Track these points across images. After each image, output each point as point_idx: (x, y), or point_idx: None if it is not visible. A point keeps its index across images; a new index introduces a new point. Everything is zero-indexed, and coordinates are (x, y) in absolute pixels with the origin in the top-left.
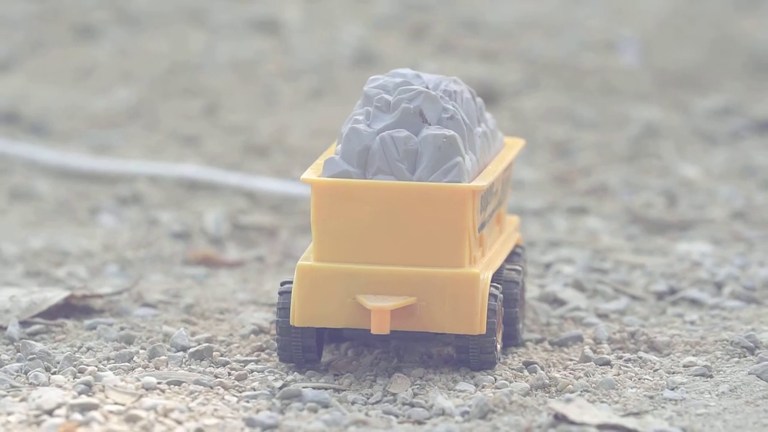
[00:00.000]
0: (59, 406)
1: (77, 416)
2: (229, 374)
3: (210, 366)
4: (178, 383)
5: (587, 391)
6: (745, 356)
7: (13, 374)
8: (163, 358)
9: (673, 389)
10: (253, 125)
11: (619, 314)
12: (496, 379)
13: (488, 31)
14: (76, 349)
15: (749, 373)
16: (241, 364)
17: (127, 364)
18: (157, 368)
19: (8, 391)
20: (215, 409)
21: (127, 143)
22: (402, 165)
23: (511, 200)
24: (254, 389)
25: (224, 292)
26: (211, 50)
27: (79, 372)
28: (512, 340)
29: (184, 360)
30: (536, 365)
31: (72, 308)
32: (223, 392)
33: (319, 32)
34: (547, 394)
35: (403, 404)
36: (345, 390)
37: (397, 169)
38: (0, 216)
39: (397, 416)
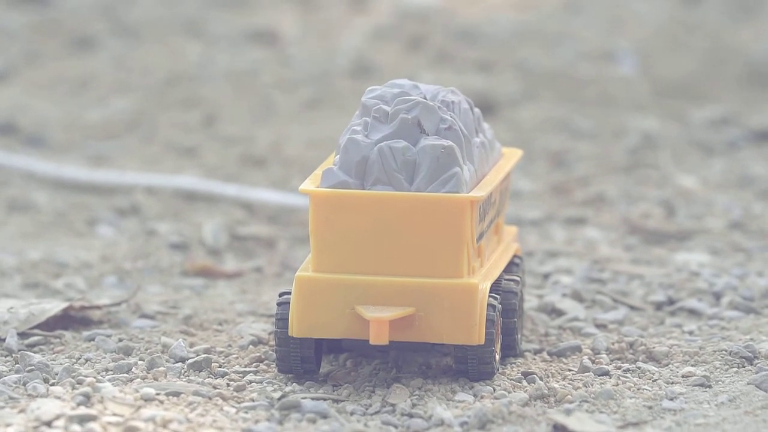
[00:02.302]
0: (58, 417)
1: (76, 427)
2: (228, 385)
3: (209, 377)
4: (177, 394)
5: (586, 402)
6: (744, 366)
7: (11, 386)
8: (161, 369)
9: (671, 399)
10: (251, 136)
11: (618, 324)
12: (494, 390)
13: (485, 41)
14: (74, 360)
15: (748, 383)
16: (240, 375)
17: (125, 375)
18: (156, 379)
19: (7, 403)
20: (214, 420)
21: (124, 154)
22: (400, 175)
23: (509, 210)
24: (253, 400)
25: (223, 303)
26: (208, 61)
27: (78, 383)
28: (511, 350)
29: (182, 371)
30: (535, 376)
31: (70, 319)
32: (221, 403)
33: (317, 43)
34: (546, 405)
35: (402, 415)
36: (344, 401)
37: (395, 180)
38: None
39: (396, 427)
